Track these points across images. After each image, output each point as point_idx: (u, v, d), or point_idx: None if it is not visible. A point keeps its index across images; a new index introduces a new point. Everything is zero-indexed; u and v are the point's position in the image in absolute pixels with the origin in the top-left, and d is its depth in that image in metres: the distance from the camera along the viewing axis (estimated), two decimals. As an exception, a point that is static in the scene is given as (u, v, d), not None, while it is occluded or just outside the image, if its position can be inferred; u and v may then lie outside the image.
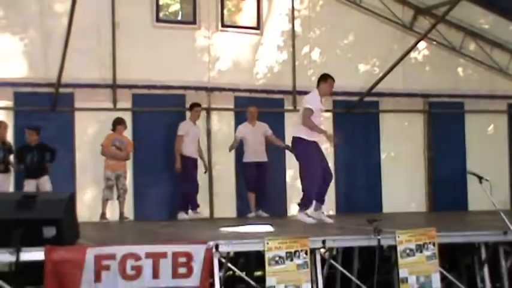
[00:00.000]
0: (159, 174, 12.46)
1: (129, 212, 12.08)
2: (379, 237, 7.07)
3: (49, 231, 6.25)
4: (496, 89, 14.63)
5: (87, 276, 6.18)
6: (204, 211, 12.22)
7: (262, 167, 12.30)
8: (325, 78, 9.65)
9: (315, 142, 9.44)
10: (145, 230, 9.60)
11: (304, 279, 6.79)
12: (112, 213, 11.72)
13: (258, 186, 12.23)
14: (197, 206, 12.02)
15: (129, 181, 12.27)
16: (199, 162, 12.26)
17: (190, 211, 11.91)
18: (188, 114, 12.48)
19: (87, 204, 11.65)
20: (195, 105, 12.33)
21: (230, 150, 12.35)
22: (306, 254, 6.81)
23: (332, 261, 7.29)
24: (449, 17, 13.14)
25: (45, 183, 11.18)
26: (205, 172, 12.35)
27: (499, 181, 11.84)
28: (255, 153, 12.23)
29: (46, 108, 11.89)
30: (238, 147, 12.44)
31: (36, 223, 6.24)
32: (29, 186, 11.10)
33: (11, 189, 11.20)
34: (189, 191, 11.97)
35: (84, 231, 7.00)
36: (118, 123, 11.79)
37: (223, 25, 13.24)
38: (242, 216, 12.19)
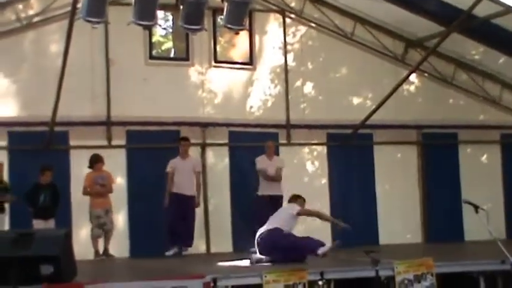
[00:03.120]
0: (154, 211, 12.39)
1: (124, 249, 12.04)
2: (377, 268, 7.06)
3: (46, 269, 6.23)
4: (488, 119, 14.74)
5: (84, 313, 6.14)
6: (200, 246, 12.17)
7: (277, 200, 12.02)
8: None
9: None
10: (142, 266, 9.55)
11: (303, 312, 6.76)
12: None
13: None
14: (188, 244, 11.83)
15: (124, 218, 12.27)
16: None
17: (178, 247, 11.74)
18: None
19: (83, 241, 11.55)
20: (181, 139, 12.20)
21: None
22: (305, 286, 6.79)
23: (330, 294, 7.25)
24: (440, 48, 13.27)
25: (52, 227, 10.94)
26: (196, 207, 12.15)
27: (494, 210, 11.84)
28: (271, 186, 12.07)
29: (41, 147, 11.89)
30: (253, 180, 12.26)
31: (34, 261, 6.22)
32: (38, 227, 10.85)
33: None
34: (173, 229, 11.70)
35: (81, 269, 6.97)
36: (95, 161, 11.60)
37: (216, 61, 13.34)
38: (238, 250, 12.11)
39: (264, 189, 12.06)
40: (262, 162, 12.16)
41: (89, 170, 11.60)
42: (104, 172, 11.68)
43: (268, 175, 11.93)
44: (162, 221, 12.28)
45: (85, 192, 11.54)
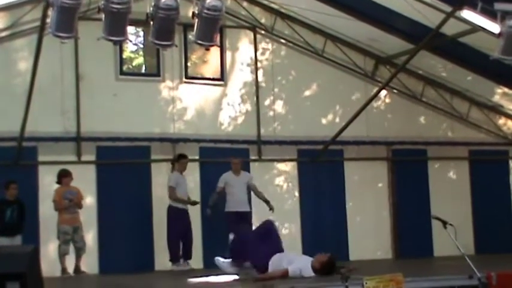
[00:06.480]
0: (124, 226, 12.34)
1: (93, 265, 11.93)
2: (346, 283, 7.05)
3: (13, 286, 6.13)
4: (457, 136, 14.89)
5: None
6: (168, 263, 12.08)
7: (244, 216, 12.09)
8: None
9: None
10: (111, 283, 9.47)
11: (272, 329, 6.74)
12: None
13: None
14: (187, 257, 11.84)
15: (93, 234, 12.16)
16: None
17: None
18: (153, 165, 12.46)
19: (51, 258, 11.43)
20: (181, 157, 12.17)
21: (211, 205, 12.07)
22: (274, 302, 6.78)
23: (300, 310, 7.24)
24: (409, 66, 13.41)
25: (19, 244, 10.73)
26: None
27: (463, 226, 11.94)
28: (238, 202, 12.07)
29: (9, 163, 11.76)
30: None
31: (-1, 278, 6.12)
32: (4, 244, 10.51)
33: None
34: (176, 241, 11.77)
35: (48, 286, 6.86)
36: (63, 175, 11.47)
37: (187, 77, 13.33)
38: (209, 267, 12.05)
39: (230, 206, 12.04)
40: (226, 177, 12.12)
41: (57, 186, 11.48)
42: (72, 188, 11.56)
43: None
44: (133, 237, 12.23)
45: (55, 208, 11.40)
